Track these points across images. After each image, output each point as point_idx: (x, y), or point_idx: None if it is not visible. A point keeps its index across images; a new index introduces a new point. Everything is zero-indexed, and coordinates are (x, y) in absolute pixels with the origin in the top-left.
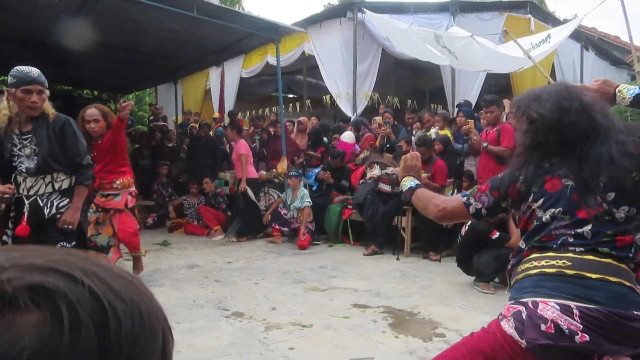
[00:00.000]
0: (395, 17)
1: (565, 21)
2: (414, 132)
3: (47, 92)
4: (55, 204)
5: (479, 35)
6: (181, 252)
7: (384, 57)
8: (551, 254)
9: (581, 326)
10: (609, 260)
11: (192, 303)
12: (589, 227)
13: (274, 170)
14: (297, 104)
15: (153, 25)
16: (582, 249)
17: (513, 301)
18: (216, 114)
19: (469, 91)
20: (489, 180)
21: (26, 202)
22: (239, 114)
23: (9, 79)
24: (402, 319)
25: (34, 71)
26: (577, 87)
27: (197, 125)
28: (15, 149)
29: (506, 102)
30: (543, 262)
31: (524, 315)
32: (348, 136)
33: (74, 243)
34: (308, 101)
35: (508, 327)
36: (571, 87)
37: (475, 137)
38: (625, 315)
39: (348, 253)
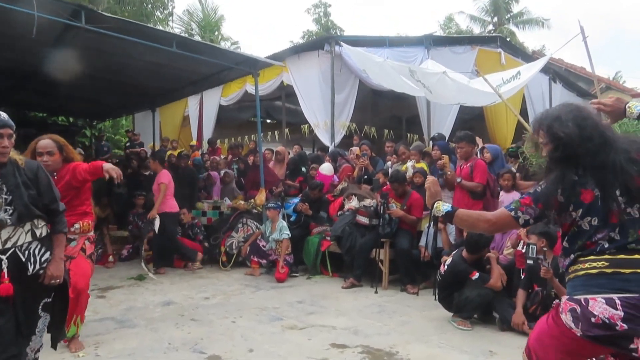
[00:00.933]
0: (371, 50)
1: (534, 53)
2: (390, 163)
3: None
4: (37, 258)
5: (452, 68)
6: (157, 287)
7: (361, 88)
8: (592, 257)
9: (622, 314)
10: (636, 256)
11: (167, 346)
12: (617, 229)
13: (252, 200)
14: (276, 132)
15: (132, 57)
16: (614, 249)
17: (568, 297)
18: (193, 142)
19: (445, 119)
20: (528, 193)
21: (3, 257)
22: (218, 141)
23: None
24: (381, 359)
25: (3, 114)
26: (585, 106)
27: (175, 153)
28: None
29: (478, 139)
30: (587, 265)
31: (578, 311)
32: (327, 168)
33: (53, 294)
34: (287, 130)
35: (567, 319)
36: (582, 107)
37: (449, 172)
38: None
39: (326, 286)
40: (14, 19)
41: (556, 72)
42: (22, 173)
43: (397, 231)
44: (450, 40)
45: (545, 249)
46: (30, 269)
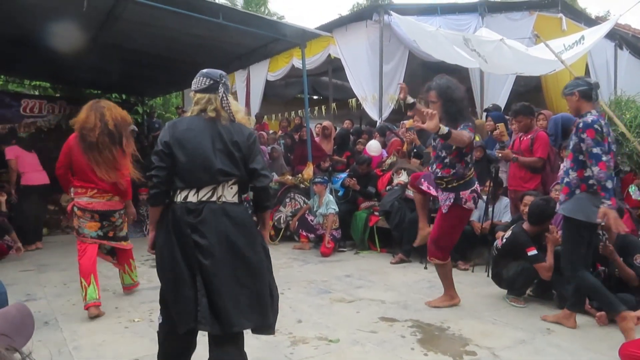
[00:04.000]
0: (422, 18)
1: (597, 19)
2: None
3: None
4: None
5: (509, 36)
6: None
7: (410, 60)
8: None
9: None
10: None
11: None
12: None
13: (299, 175)
14: (323, 107)
15: (179, 31)
16: None
17: (470, 191)
18: None
19: (498, 93)
20: (465, 125)
21: None
22: (265, 116)
23: None
24: (432, 334)
25: None
26: (456, 81)
27: None
28: None
29: (547, 113)
30: (472, 170)
31: (476, 196)
32: (374, 148)
33: None
34: (334, 105)
35: (470, 205)
36: (455, 80)
37: (505, 143)
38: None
39: (374, 261)
40: None
41: (623, 38)
42: None
43: None
44: (506, 5)
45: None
46: None
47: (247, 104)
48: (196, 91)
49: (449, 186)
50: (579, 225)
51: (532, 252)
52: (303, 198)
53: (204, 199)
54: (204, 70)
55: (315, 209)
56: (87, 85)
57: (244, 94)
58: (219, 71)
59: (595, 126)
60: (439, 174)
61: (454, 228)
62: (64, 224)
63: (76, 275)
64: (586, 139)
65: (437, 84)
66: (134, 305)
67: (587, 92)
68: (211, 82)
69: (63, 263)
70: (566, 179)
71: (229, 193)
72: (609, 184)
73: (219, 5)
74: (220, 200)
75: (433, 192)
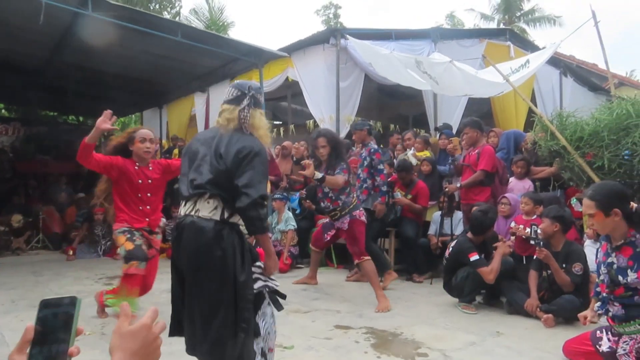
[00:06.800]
0: (377, 43)
1: (544, 48)
2: (396, 154)
3: None
4: None
5: (459, 60)
6: (162, 276)
7: (367, 83)
8: None
9: None
10: None
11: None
12: None
13: None
14: (282, 130)
15: (138, 50)
16: None
17: (359, 210)
18: None
19: (451, 116)
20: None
21: None
22: None
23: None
24: (385, 339)
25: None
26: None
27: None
28: None
29: (498, 130)
30: (354, 199)
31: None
32: None
33: None
34: (292, 127)
35: (363, 218)
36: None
37: (456, 157)
38: None
39: (332, 276)
40: (21, 8)
41: (567, 66)
42: None
43: (402, 220)
44: (457, 33)
45: (555, 230)
46: None
47: (207, 127)
48: (224, 102)
49: (342, 213)
50: (372, 213)
51: (474, 257)
52: None
53: (187, 212)
54: (235, 82)
55: (273, 226)
56: (43, 106)
57: (204, 117)
58: (250, 82)
59: (380, 151)
60: (330, 207)
61: (358, 234)
62: (14, 245)
63: (25, 293)
64: (374, 159)
65: (326, 131)
66: (86, 320)
67: (370, 129)
68: (238, 93)
69: (12, 282)
70: (365, 185)
71: (205, 208)
72: (384, 188)
73: (177, 23)
74: (196, 214)
75: (331, 235)
